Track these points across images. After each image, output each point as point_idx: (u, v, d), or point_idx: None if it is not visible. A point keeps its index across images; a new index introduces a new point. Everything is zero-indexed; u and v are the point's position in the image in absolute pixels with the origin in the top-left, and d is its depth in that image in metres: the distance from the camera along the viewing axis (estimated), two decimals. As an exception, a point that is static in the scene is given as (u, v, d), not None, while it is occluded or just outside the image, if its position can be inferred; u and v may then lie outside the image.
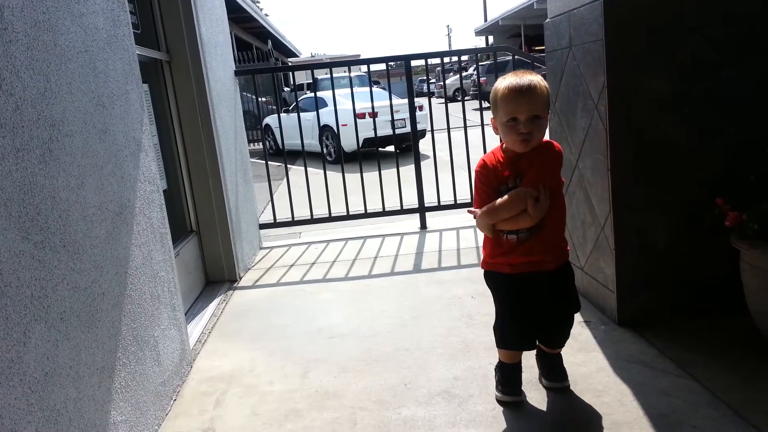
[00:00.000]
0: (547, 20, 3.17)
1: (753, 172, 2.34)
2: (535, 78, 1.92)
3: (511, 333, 2.13)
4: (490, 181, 2.02)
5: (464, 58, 16.44)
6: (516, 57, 5.17)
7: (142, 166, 2.43)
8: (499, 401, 2.19)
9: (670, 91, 2.52)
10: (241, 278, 3.96)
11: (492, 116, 2.01)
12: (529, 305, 2.09)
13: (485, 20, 38.97)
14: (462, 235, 4.49)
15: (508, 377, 2.21)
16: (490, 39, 37.66)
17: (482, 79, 17.30)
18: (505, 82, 1.93)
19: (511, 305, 2.11)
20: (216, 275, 3.87)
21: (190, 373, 2.67)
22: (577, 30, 2.77)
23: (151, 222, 2.46)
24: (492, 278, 2.15)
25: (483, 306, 3.07)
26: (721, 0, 2.47)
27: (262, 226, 4.84)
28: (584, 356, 2.45)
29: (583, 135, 2.81)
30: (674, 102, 2.54)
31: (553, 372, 2.26)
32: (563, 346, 2.24)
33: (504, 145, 2.05)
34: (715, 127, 2.55)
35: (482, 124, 4.87)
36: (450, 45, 69.11)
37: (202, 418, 2.30)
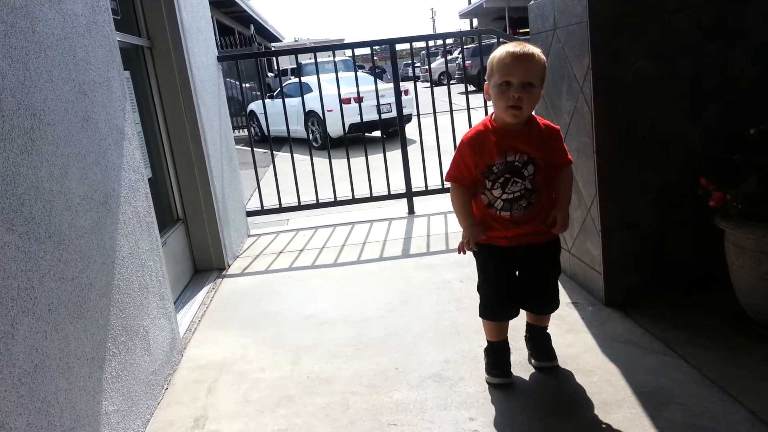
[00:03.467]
0: (531, 2, 3.16)
1: (736, 152, 2.36)
2: (535, 49, 1.97)
3: (496, 302, 2.18)
4: (468, 156, 2.07)
5: (449, 41, 16.39)
6: (501, 40, 5.16)
7: (125, 155, 2.40)
8: (489, 383, 2.22)
9: (654, 72, 2.53)
10: (229, 266, 3.94)
11: (486, 81, 2.05)
12: (518, 276, 2.17)
13: (469, 3, 38.75)
14: (450, 219, 4.50)
15: (496, 359, 2.23)
16: (475, 22, 37.51)
17: (467, 62, 17.27)
18: (504, 47, 1.97)
19: (499, 277, 2.16)
20: (204, 263, 3.86)
21: (181, 362, 2.67)
22: (561, 12, 2.76)
23: (137, 211, 2.44)
24: (483, 250, 2.15)
25: (472, 290, 3.06)
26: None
27: (250, 214, 4.82)
28: (572, 337, 2.48)
29: (568, 118, 2.82)
30: (658, 83, 2.55)
31: (542, 352, 2.28)
32: (553, 310, 2.25)
33: (494, 116, 2.08)
34: (699, 107, 2.57)
35: (468, 108, 4.87)
36: (434, 28, 68.74)
37: (194, 406, 2.30)
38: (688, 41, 2.51)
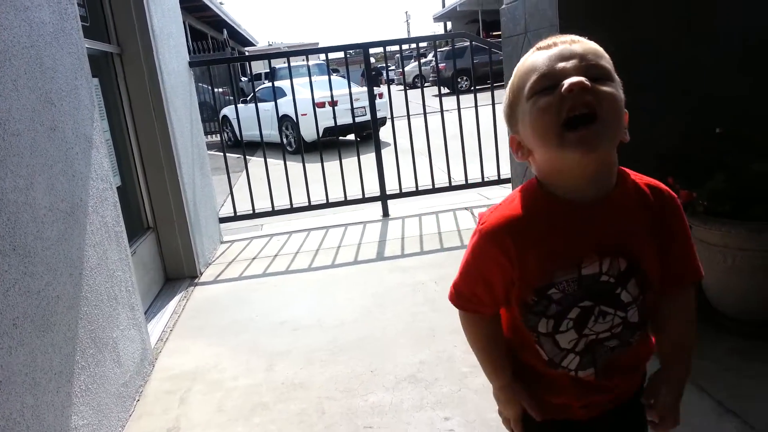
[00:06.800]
0: (503, 6, 3.20)
1: (704, 151, 2.42)
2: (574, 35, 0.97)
3: None
4: (490, 264, 1.00)
5: (422, 44, 16.48)
6: (474, 43, 5.21)
7: (93, 163, 2.37)
8: None
9: (621, 77, 2.57)
10: (201, 274, 3.90)
11: (510, 131, 1.03)
12: None
13: (443, 6, 39.03)
14: (424, 221, 4.52)
15: None
16: (449, 25, 37.76)
17: (441, 65, 17.37)
18: (529, 52, 0.99)
19: None
20: (175, 272, 3.81)
21: (153, 373, 2.63)
22: (532, 16, 2.80)
23: (105, 220, 2.41)
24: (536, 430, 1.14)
25: (447, 291, 3.10)
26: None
27: (222, 220, 4.78)
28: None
29: (538, 120, 2.85)
30: (625, 88, 2.59)
31: None
32: None
33: (542, 173, 0.99)
34: (668, 109, 2.62)
35: (441, 111, 4.90)
36: (408, 31, 69.05)
37: (166, 417, 2.27)
38: (657, 45, 2.56)
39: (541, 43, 0.97)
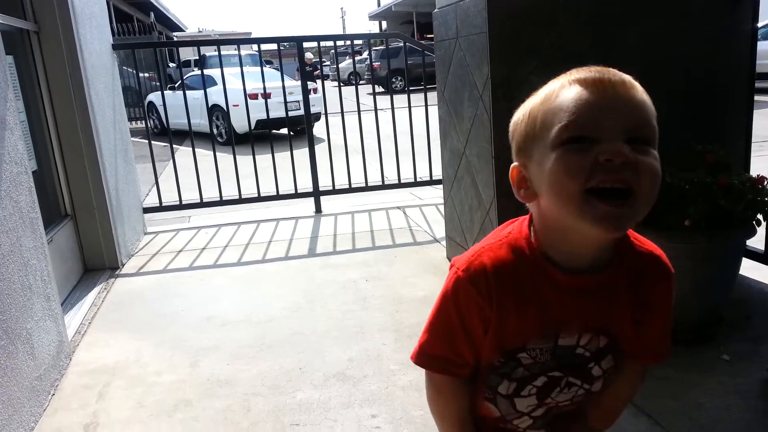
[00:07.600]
0: (435, 10, 3.26)
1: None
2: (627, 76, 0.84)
3: None
4: (470, 318, 0.90)
5: (358, 42, 16.50)
6: (408, 44, 5.27)
7: (6, 146, 2.23)
8: None
9: (546, 82, 2.68)
10: (123, 265, 3.75)
11: (515, 159, 0.91)
12: None
13: (378, 5, 39.20)
14: (356, 219, 4.53)
15: None
16: (384, 24, 37.97)
17: (375, 64, 17.46)
18: (564, 77, 0.88)
19: None
20: (95, 262, 3.64)
21: (70, 366, 2.51)
22: (463, 22, 2.87)
23: (19, 206, 2.27)
24: None
25: (377, 289, 3.14)
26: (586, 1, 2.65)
27: (147, 210, 4.61)
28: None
29: (469, 124, 2.93)
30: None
31: None
32: None
33: (540, 229, 0.90)
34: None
35: (375, 109, 4.92)
36: (344, 28, 68.82)
37: (84, 412, 2.17)
38: (576, 53, 2.68)
39: (582, 74, 0.83)
